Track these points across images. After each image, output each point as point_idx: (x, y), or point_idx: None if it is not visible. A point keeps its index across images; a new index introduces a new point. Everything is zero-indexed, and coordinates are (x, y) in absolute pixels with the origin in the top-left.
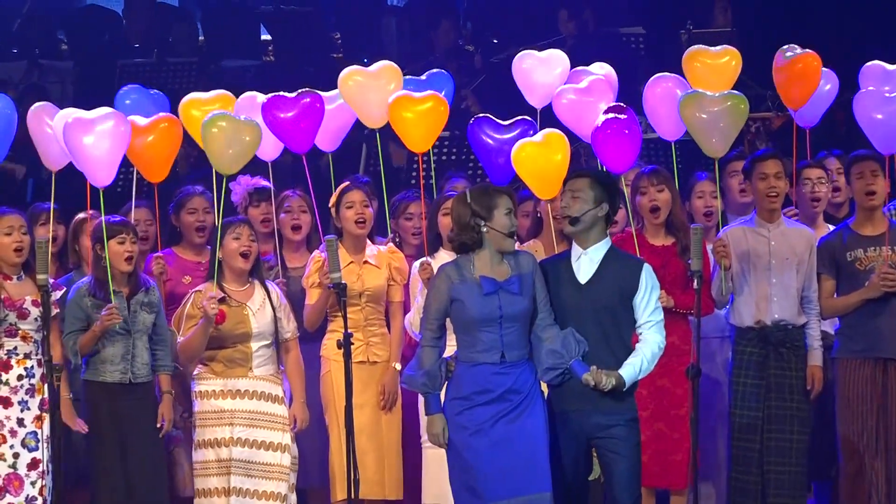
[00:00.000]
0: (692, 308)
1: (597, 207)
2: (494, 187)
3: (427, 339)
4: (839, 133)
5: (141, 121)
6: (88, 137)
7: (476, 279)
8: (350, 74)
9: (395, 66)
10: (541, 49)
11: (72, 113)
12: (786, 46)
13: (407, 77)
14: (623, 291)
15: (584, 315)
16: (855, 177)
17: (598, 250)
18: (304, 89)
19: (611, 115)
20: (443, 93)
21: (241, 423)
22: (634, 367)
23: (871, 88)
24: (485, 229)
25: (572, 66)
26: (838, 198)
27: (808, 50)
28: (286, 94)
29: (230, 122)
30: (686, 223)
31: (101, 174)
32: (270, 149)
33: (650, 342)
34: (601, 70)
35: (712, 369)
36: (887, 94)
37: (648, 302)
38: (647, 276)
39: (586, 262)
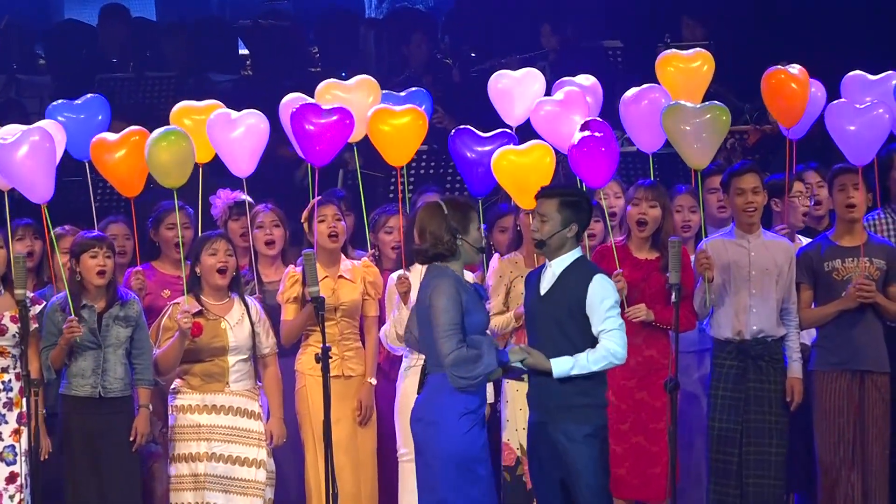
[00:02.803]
0: (671, 322)
1: (564, 229)
2: (467, 201)
3: (457, 346)
4: (816, 143)
5: (111, 136)
6: (19, 153)
7: (470, 287)
8: (327, 88)
9: (373, 80)
10: (521, 61)
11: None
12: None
13: (385, 92)
14: (571, 303)
15: (541, 325)
16: (837, 189)
17: (561, 263)
18: (336, 105)
19: (587, 133)
20: (423, 107)
21: (218, 439)
22: (571, 359)
23: (842, 100)
24: (460, 242)
25: (554, 79)
26: (819, 210)
27: (796, 66)
28: (320, 104)
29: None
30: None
31: (37, 190)
32: (246, 165)
33: (600, 347)
34: (587, 82)
35: (688, 383)
36: (858, 106)
37: (598, 312)
38: (596, 287)
39: (549, 275)
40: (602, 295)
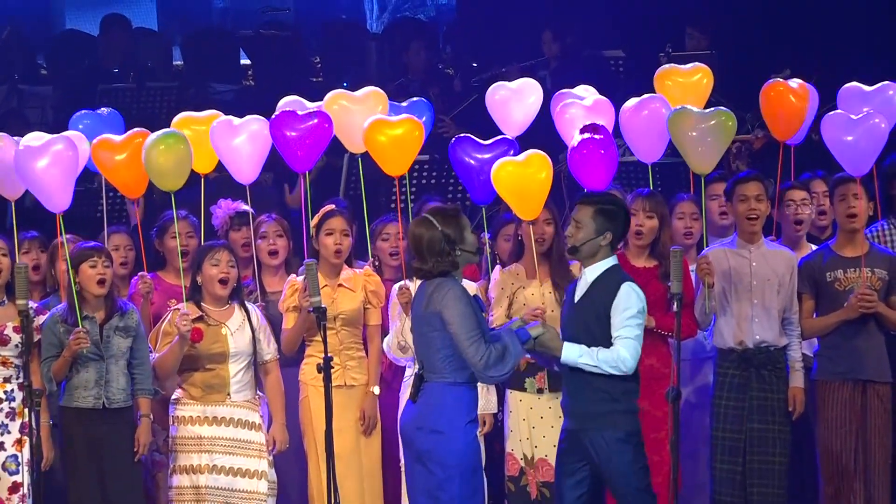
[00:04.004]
0: (673, 330)
1: (598, 237)
2: (454, 207)
3: (486, 348)
4: (820, 152)
5: (115, 138)
6: (41, 162)
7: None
8: (335, 98)
9: (381, 91)
10: (522, 70)
11: (25, 140)
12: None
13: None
14: (599, 311)
15: (573, 332)
16: (837, 199)
17: (594, 271)
18: (313, 108)
19: (587, 135)
20: (423, 119)
21: (219, 451)
22: (581, 349)
23: (839, 111)
24: (458, 253)
25: (555, 88)
26: (823, 221)
27: (797, 81)
28: (297, 111)
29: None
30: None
31: (56, 199)
32: (249, 171)
33: (612, 349)
34: (586, 93)
35: (687, 392)
36: (854, 117)
37: (618, 318)
38: (623, 295)
39: (582, 283)
40: (626, 303)
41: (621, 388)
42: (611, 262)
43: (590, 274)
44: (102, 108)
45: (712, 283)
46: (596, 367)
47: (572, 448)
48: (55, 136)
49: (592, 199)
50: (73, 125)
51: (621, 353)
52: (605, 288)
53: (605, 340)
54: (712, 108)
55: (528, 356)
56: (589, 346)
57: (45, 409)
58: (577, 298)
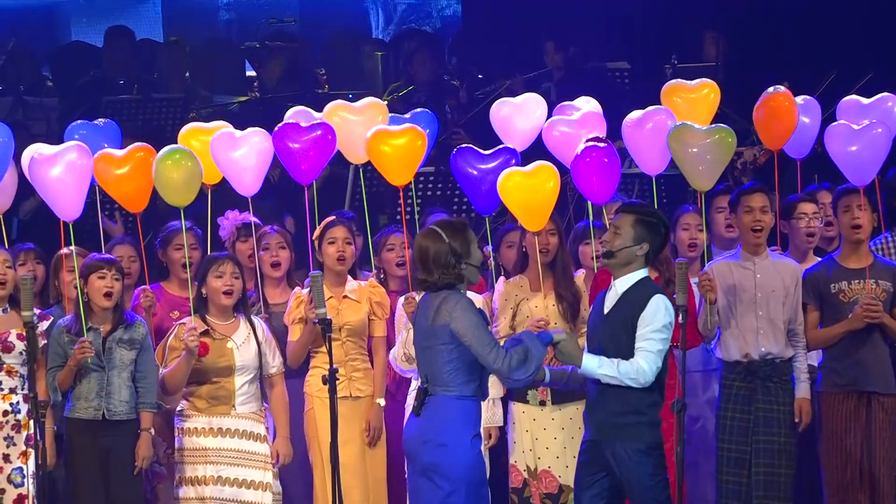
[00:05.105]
0: (678, 341)
1: (635, 246)
2: (462, 221)
3: (504, 354)
4: (825, 164)
5: (117, 153)
6: (55, 170)
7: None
8: (334, 109)
9: (381, 101)
10: (526, 82)
11: (37, 148)
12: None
13: (391, 115)
14: (627, 322)
15: (600, 343)
16: (842, 210)
17: (625, 282)
18: (317, 120)
19: (591, 144)
20: (427, 132)
21: (225, 462)
22: (601, 360)
23: (841, 122)
24: (464, 266)
25: (559, 100)
26: (830, 232)
27: (780, 88)
28: (300, 122)
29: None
30: (669, 257)
31: (68, 208)
32: (250, 183)
33: (633, 361)
34: (588, 105)
35: (693, 404)
36: (856, 127)
37: (643, 329)
38: (651, 308)
39: (612, 294)
40: (653, 316)
41: (647, 401)
42: (641, 273)
43: (620, 285)
44: (99, 119)
45: (714, 300)
46: (615, 377)
47: (593, 459)
48: (68, 144)
49: (635, 208)
50: (69, 135)
51: (641, 365)
52: (636, 299)
53: (633, 352)
54: (712, 125)
55: (546, 384)
56: (617, 356)
57: (50, 415)
58: (606, 310)
